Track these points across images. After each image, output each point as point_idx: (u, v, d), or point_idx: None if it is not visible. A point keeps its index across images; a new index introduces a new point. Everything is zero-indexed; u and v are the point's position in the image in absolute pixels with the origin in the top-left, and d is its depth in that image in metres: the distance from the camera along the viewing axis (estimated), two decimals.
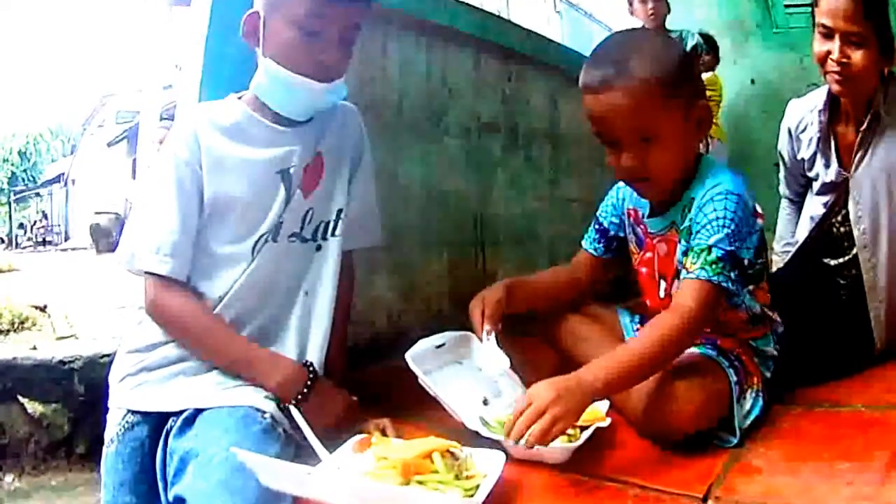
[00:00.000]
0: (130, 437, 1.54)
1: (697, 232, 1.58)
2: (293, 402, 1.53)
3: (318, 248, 1.74)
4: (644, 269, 1.85)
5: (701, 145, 3.88)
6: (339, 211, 1.76)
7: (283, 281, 1.69)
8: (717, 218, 1.55)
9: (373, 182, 1.90)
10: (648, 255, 1.82)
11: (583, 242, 2.03)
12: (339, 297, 1.76)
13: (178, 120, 1.77)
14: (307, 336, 1.70)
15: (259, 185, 1.64)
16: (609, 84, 1.55)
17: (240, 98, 1.70)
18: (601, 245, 1.98)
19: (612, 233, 1.96)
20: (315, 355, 1.68)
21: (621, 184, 1.89)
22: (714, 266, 1.52)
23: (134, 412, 1.55)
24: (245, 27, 1.61)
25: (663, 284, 1.79)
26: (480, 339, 1.78)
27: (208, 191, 1.61)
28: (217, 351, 1.59)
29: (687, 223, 1.64)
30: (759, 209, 1.66)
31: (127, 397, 1.58)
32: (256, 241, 1.63)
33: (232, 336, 1.59)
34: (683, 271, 1.59)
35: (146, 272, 1.57)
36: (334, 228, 1.76)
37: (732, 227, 1.54)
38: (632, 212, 1.86)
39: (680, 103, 1.57)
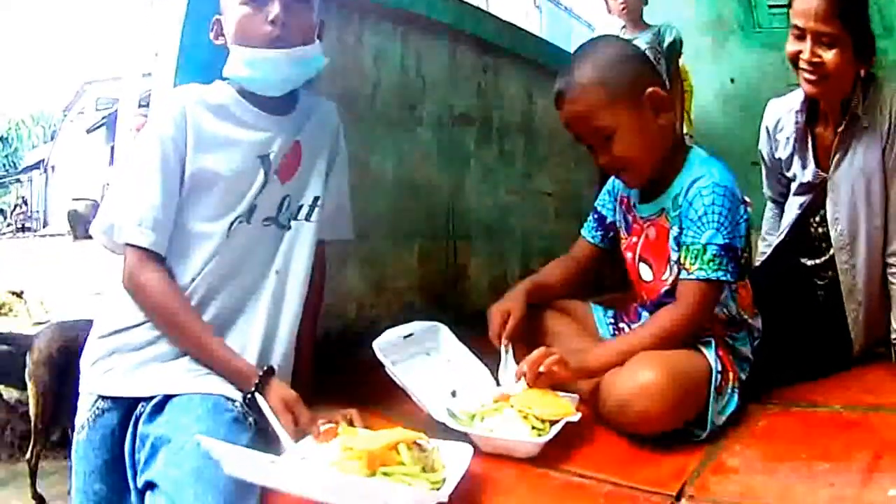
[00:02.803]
0: (101, 424, 1.54)
1: (688, 228, 1.67)
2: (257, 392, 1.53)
3: (289, 228, 1.76)
4: (629, 254, 1.92)
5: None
6: (316, 198, 1.80)
7: (254, 262, 1.71)
8: (706, 213, 1.65)
9: (347, 178, 1.93)
10: (634, 239, 1.90)
11: (582, 231, 2.09)
12: (310, 287, 1.78)
13: (164, 98, 1.80)
14: (278, 315, 1.72)
15: (239, 165, 1.68)
16: (563, 95, 1.75)
17: (227, 83, 1.74)
18: (598, 233, 2.05)
19: (608, 220, 2.02)
20: (285, 335, 1.71)
21: None
22: (711, 263, 1.63)
23: (104, 398, 1.55)
24: (213, 31, 1.72)
25: (644, 268, 1.86)
26: (497, 349, 1.83)
27: (191, 167, 1.63)
28: (184, 337, 1.58)
29: (677, 211, 1.73)
30: (747, 198, 1.73)
31: (97, 382, 1.57)
32: (232, 222, 1.66)
33: (200, 327, 1.59)
34: (683, 271, 1.68)
35: (127, 244, 1.58)
36: (309, 213, 1.79)
37: (722, 219, 1.64)
38: (624, 198, 1.95)
39: (626, 97, 1.69)
